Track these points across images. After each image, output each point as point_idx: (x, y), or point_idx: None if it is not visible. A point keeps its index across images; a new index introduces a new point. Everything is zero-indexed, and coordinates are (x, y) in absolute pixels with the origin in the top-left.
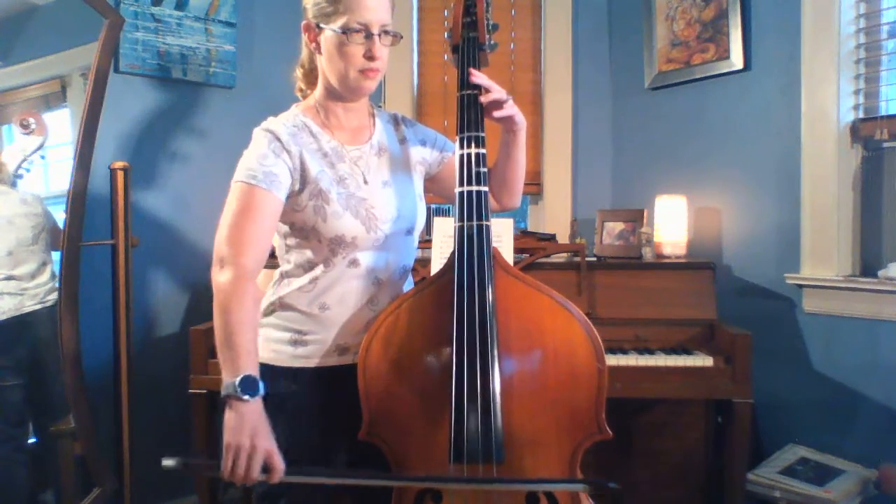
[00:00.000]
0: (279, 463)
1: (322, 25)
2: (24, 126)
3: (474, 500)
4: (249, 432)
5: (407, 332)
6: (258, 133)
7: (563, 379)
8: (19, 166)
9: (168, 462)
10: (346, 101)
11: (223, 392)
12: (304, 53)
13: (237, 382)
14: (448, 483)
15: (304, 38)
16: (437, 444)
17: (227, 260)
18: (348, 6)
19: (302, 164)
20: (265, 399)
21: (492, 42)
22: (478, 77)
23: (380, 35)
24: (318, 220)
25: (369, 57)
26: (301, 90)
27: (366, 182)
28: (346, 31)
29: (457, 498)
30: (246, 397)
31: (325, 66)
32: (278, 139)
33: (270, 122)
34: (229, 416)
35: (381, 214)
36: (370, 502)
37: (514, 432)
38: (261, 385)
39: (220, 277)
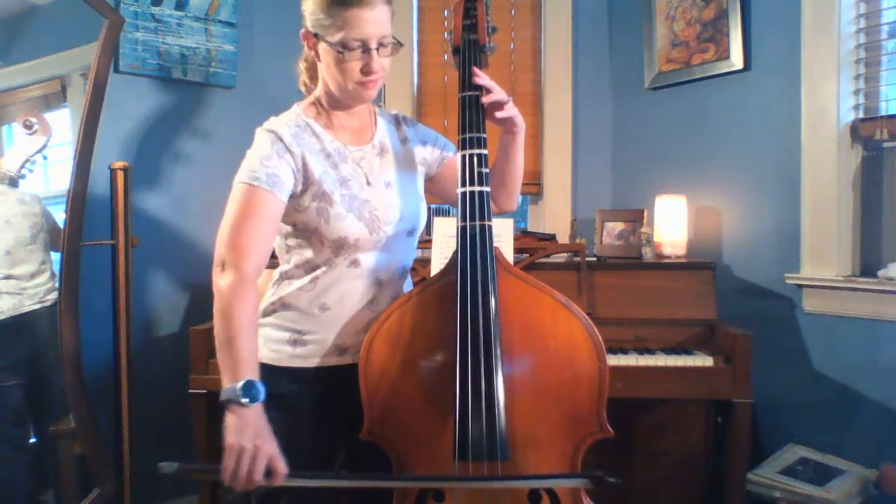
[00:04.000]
0: (282, 466)
1: (320, 36)
2: (28, 126)
3: (477, 498)
4: (252, 435)
5: (409, 332)
6: (261, 133)
7: (565, 378)
8: (22, 167)
9: (166, 467)
10: (347, 107)
11: (223, 396)
12: (307, 49)
13: (238, 388)
14: (448, 483)
15: (304, 42)
16: (440, 443)
17: (229, 263)
18: (346, 22)
19: (304, 165)
20: (265, 399)
21: (491, 44)
22: (481, 78)
23: (378, 48)
24: (321, 221)
25: (366, 72)
26: (305, 84)
27: (368, 183)
28: (343, 47)
29: (460, 496)
30: (246, 401)
31: (325, 75)
32: (281, 140)
33: (273, 123)
34: (231, 420)
35: (383, 216)
36: (371, 502)
37: (517, 430)
38: (262, 389)
39: (220, 281)
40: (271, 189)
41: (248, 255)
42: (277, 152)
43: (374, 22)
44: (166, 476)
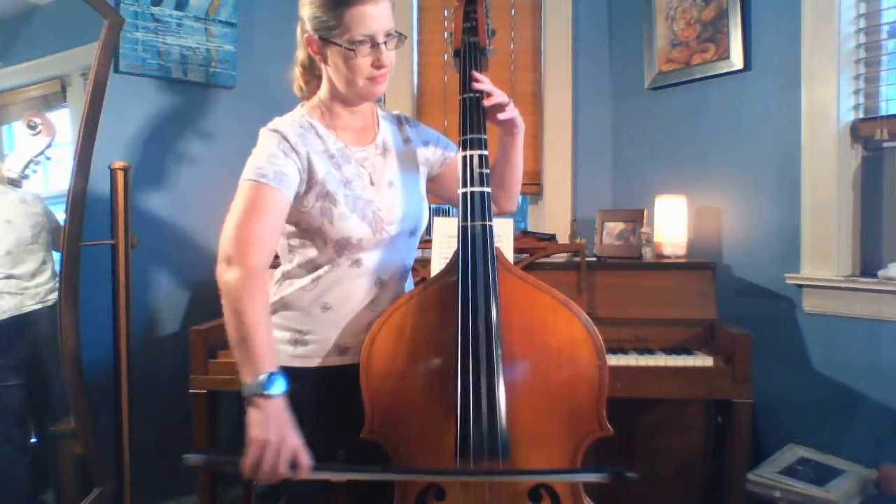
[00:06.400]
0: (306, 459)
1: (325, 38)
2: (32, 127)
3: (478, 496)
4: (276, 427)
5: (410, 331)
6: (266, 133)
7: (565, 376)
8: (26, 167)
9: (191, 459)
10: (353, 105)
11: (244, 392)
12: (302, 54)
13: (260, 381)
14: (473, 476)
15: (307, 47)
16: (441, 441)
17: (235, 259)
18: (352, 20)
19: (309, 165)
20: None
21: (491, 46)
22: (481, 83)
23: (385, 42)
24: (325, 221)
25: (377, 66)
26: (301, 89)
27: (372, 183)
28: (352, 45)
29: (461, 495)
30: (271, 393)
31: (333, 76)
32: (286, 140)
33: (278, 123)
34: (254, 414)
35: (387, 216)
36: (371, 502)
37: (518, 428)
38: (284, 380)
39: (227, 276)
40: (279, 186)
41: (254, 251)
42: (283, 151)
43: (379, 16)
44: (191, 468)
